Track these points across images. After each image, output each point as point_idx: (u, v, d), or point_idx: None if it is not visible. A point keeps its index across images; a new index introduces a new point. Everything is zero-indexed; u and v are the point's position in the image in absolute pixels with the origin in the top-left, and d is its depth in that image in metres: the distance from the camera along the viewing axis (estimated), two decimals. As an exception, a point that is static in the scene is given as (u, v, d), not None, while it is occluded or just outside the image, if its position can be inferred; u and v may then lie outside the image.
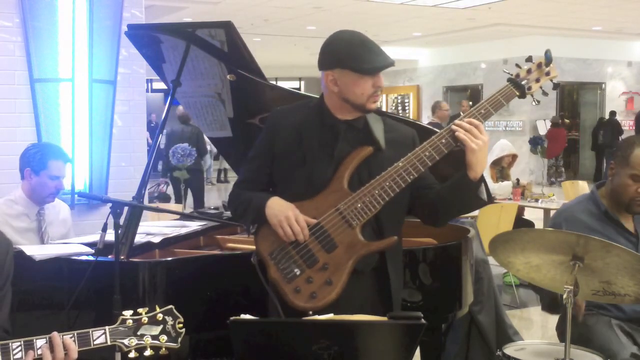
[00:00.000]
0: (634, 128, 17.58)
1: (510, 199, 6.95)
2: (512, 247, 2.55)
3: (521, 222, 6.78)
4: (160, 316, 1.94)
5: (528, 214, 7.79)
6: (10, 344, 1.85)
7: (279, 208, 2.29)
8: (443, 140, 2.26)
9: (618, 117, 17.26)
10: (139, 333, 1.92)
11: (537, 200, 7.23)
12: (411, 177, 2.26)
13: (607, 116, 17.51)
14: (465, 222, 4.41)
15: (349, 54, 2.28)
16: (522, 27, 15.08)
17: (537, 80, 2.38)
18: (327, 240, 2.28)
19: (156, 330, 1.93)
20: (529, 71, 2.38)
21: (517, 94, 2.36)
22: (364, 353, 1.88)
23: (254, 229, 2.42)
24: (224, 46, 3.19)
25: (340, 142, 2.36)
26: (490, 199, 2.37)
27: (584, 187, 8.65)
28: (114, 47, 4.93)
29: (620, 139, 16.58)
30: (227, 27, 3.07)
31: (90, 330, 1.91)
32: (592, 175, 17.44)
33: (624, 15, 13.71)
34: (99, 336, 1.91)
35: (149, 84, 18.72)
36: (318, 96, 2.49)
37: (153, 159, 3.37)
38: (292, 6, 12.38)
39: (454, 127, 2.26)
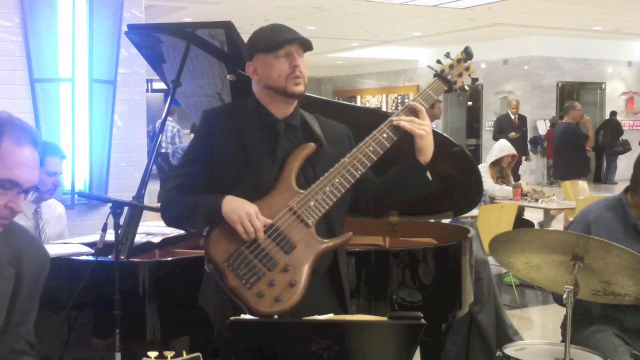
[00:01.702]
0: (633, 128, 17.62)
1: (510, 199, 6.95)
2: (512, 247, 2.55)
3: (521, 222, 6.78)
4: None
5: (528, 214, 7.80)
6: None
7: (238, 205, 2.22)
8: (384, 135, 2.31)
9: (618, 117, 17.26)
10: None
11: (537, 200, 7.23)
12: (359, 172, 2.28)
13: (607, 116, 17.51)
14: (465, 222, 4.42)
15: (258, 38, 2.33)
16: (522, 27, 15.07)
17: (460, 75, 2.48)
18: (284, 241, 2.24)
19: None
20: (451, 67, 2.47)
21: (445, 88, 2.46)
22: (364, 353, 1.88)
23: (205, 232, 2.31)
24: (224, 46, 3.19)
25: (281, 141, 2.34)
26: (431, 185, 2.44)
27: (584, 187, 8.65)
28: (114, 47, 4.94)
29: (620, 139, 16.59)
30: (227, 27, 3.07)
31: None
32: (592, 175, 17.44)
33: (624, 15, 13.71)
34: None
35: (149, 84, 18.69)
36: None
37: (153, 159, 3.37)
38: (292, 6, 12.38)
39: (395, 121, 2.31)
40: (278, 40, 2.27)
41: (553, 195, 7.53)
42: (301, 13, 13.01)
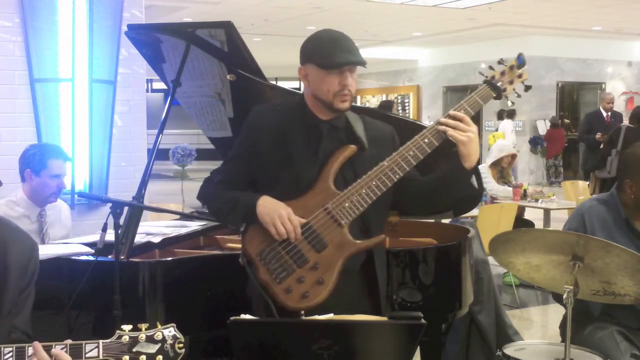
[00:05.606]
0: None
1: (512, 200, 6.95)
2: (512, 247, 2.55)
3: (521, 222, 6.78)
4: (159, 335, 1.85)
5: (528, 214, 7.80)
6: (2, 348, 1.80)
7: (272, 206, 2.28)
8: (426, 140, 2.31)
9: (618, 117, 17.25)
10: (134, 350, 1.82)
11: (537, 200, 7.23)
12: (397, 176, 2.30)
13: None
14: (465, 222, 4.41)
15: (316, 49, 2.32)
16: (522, 27, 15.08)
17: (511, 82, 2.45)
18: (317, 239, 2.29)
19: (153, 348, 1.83)
20: (502, 73, 2.44)
21: (494, 95, 2.42)
22: (364, 353, 1.88)
23: (242, 228, 2.39)
24: (224, 46, 3.19)
25: (323, 142, 2.37)
26: (482, 189, 2.41)
27: (584, 187, 8.66)
28: (114, 47, 4.94)
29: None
30: (227, 27, 3.08)
31: (83, 342, 1.83)
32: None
33: (624, 15, 13.71)
34: (92, 349, 1.83)
35: (149, 84, 18.72)
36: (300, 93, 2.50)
37: (153, 159, 3.37)
38: (292, 6, 12.38)
39: (439, 127, 2.31)
40: (335, 62, 2.28)
41: (553, 195, 7.53)
42: (301, 13, 13.01)
